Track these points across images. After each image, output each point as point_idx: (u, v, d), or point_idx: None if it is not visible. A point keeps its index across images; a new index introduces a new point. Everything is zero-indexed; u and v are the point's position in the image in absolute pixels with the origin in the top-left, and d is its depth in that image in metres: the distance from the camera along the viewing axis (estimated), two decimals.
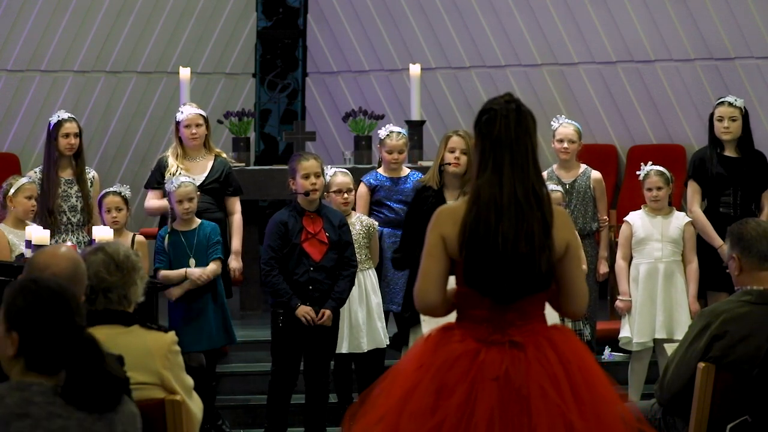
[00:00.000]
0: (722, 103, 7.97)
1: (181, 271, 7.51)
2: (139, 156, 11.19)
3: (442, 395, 3.95)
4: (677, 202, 9.53)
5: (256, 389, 8.07)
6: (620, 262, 7.87)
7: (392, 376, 4.12)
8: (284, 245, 7.23)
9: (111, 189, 7.73)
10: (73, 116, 8.19)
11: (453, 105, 11.29)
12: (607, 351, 8.46)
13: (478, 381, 3.95)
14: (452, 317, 4.16)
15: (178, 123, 8.14)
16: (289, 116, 12.19)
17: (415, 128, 9.67)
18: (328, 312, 7.20)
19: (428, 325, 4.35)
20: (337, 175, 7.67)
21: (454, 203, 4.15)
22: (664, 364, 5.39)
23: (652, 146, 10.64)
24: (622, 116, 10.84)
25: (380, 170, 8.22)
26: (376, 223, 7.79)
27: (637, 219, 7.85)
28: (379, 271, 7.82)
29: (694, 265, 7.78)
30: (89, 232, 7.74)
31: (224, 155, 8.34)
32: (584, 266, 7.71)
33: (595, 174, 8.12)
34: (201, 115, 8.13)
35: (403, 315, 7.36)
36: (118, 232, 7.45)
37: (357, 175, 8.12)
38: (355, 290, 7.57)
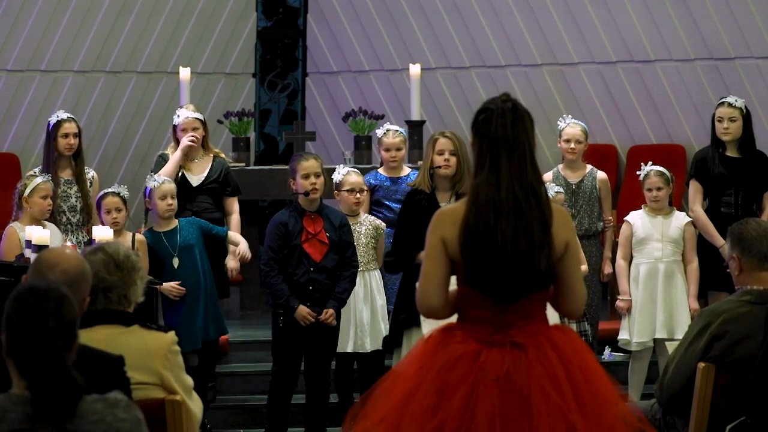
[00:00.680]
0: (722, 103, 7.98)
1: (169, 286, 7.48)
2: (139, 156, 11.18)
3: (444, 396, 3.95)
4: (677, 202, 9.53)
5: (256, 389, 8.07)
6: (620, 262, 7.87)
7: (393, 377, 4.12)
8: (284, 246, 7.23)
9: (110, 190, 7.71)
10: (72, 116, 8.19)
11: (453, 105, 11.29)
12: (607, 351, 8.46)
13: (479, 382, 3.94)
14: (453, 318, 4.16)
15: (174, 126, 8.16)
16: (289, 116, 12.19)
17: (415, 128, 9.67)
18: (331, 310, 7.21)
19: (428, 326, 4.34)
20: (351, 174, 7.68)
21: (453, 205, 4.14)
22: (665, 362, 5.39)
23: (652, 146, 10.63)
24: (622, 116, 10.84)
25: (380, 170, 8.22)
26: (384, 225, 7.80)
27: (637, 219, 7.86)
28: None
29: (694, 265, 7.78)
30: (89, 233, 7.74)
31: (222, 155, 8.34)
32: (584, 266, 7.72)
33: (601, 174, 8.13)
34: (197, 119, 8.12)
35: (397, 317, 7.33)
36: (118, 232, 7.44)
37: None
38: (360, 290, 7.58)
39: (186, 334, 7.31)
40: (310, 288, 7.22)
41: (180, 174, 8.03)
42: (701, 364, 5.04)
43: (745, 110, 7.96)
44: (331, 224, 7.31)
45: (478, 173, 4.05)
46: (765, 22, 10.22)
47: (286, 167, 7.59)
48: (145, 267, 6.62)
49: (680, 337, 7.14)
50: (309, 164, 7.28)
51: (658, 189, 7.80)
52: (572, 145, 8.04)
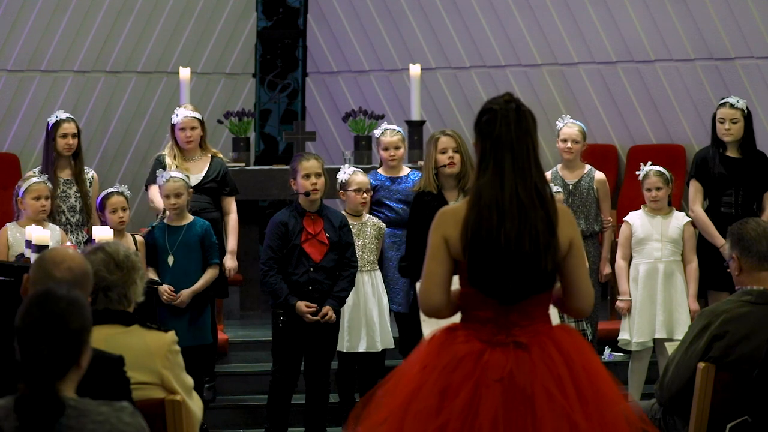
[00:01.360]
0: (724, 104, 7.97)
1: (164, 289, 7.44)
2: (139, 156, 11.18)
3: (447, 396, 3.95)
4: (677, 202, 9.53)
5: (256, 389, 8.07)
6: (620, 262, 7.88)
7: (396, 377, 4.11)
8: (284, 245, 7.24)
9: (113, 189, 7.71)
10: (71, 116, 8.19)
11: (453, 105, 11.29)
12: (607, 351, 8.46)
13: (483, 382, 3.94)
14: (456, 318, 4.16)
15: (173, 126, 8.15)
16: (289, 116, 12.19)
17: (415, 128, 9.67)
18: (330, 309, 7.20)
19: (429, 326, 4.34)
20: (357, 174, 7.69)
21: (456, 204, 4.13)
22: (665, 362, 5.39)
23: (652, 146, 10.63)
24: (622, 116, 10.84)
25: (380, 170, 8.23)
26: (384, 225, 7.80)
27: (636, 219, 7.86)
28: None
29: (693, 265, 7.78)
30: (89, 233, 7.74)
31: (221, 155, 8.34)
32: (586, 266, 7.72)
33: (599, 175, 8.12)
34: (195, 118, 8.12)
35: (414, 318, 7.32)
36: (119, 233, 7.44)
37: None
38: (368, 290, 7.59)
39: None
40: (310, 288, 7.23)
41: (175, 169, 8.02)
42: (701, 364, 5.04)
43: (746, 111, 7.96)
44: (331, 224, 7.31)
45: (481, 175, 4.05)
46: (765, 22, 10.22)
47: (286, 167, 7.60)
48: (144, 268, 6.62)
49: (680, 338, 7.16)
50: (310, 164, 7.29)
51: (658, 189, 7.81)
52: (569, 145, 8.04)
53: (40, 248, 6.75)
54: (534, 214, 4.00)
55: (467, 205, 4.05)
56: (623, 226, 7.90)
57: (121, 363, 4.11)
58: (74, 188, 8.09)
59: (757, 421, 4.86)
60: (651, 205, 7.84)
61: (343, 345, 7.59)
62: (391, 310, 7.88)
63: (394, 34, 11.47)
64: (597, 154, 10.17)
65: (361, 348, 7.59)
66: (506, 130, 4.02)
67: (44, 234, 6.90)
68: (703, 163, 8.01)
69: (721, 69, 10.38)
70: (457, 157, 7.08)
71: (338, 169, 7.85)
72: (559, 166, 8.17)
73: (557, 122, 8.19)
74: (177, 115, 8.15)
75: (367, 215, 7.79)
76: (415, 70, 9.73)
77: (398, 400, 4.01)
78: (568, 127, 8.08)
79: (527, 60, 11.02)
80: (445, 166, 7.07)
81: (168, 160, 8.07)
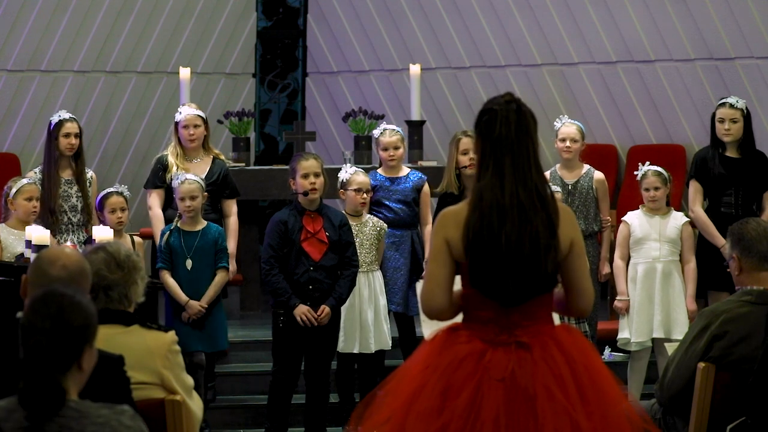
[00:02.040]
0: (723, 104, 7.97)
1: (183, 297, 7.46)
2: (139, 156, 11.18)
3: (449, 396, 3.95)
4: (677, 202, 9.53)
5: (256, 389, 8.07)
6: (618, 262, 7.88)
7: (398, 377, 4.11)
8: (284, 244, 7.23)
9: (113, 189, 7.71)
10: (74, 117, 8.20)
11: (453, 105, 11.29)
12: (607, 351, 8.46)
13: (485, 382, 3.94)
14: (457, 318, 4.16)
15: (176, 123, 8.15)
16: (289, 116, 12.19)
17: (415, 128, 9.67)
18: (326, 309, 7.20)
19: (429, 326, 4.34)
20: (358, 174, 7.69)
21: (457, 206, 4.12)
22: (664, 363, 5.39)
23: (652, 146, 10.64)
24: (622, 116, 10.84)
25: (380, 170, 8.23)
26: (386, 226, 7.80)
27: (634, 219, 7.86)
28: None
29: (691, 265, 7.78)
30: (89, 233, 7.73)
31: (222, 157, 8.34)
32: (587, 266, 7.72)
33: (598, 174, 8.12)
34: (199, 116, 8.12)
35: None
36: (118, 233, 7.44)
37: None
38: (365, 291, 7.59)
39: (188, 335, 7.32)
40: (310, 287, 7.22)
41: (172, 177, 8.02)
42: (701, 364, 5.04)
43: (745, 111, 7.96)
44: (331, 224, 7.31)
45: (482, 176, 4.04)
46: (765, 22, 10.22)
47: (286, 167, 7.60)
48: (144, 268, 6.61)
49: (678, 337, 7.18)
50: (309, 164, 7.29)
51: (656, 189, 7.81)
52: (567, 144, 8.04)
53: (40, 248, 6.75)
54: (534, 215, 3.99)
55: (468, 207, 4.04)
56: (621, 225, 7.90)
57: (121, 363, 4.11)
58: (75, 188, 8.10)
59: (755, 423, 4.85)
60: (649, 205, 7.84)
61: (339, 345, 7.59)
62: (390, 310, 7.88)
63: (394, 34, 11.47)
64: (597, 154, 10.17)
65: (355, 349, 7.59)
66: (506, 132, 4.02)
67: (44, 234, 6.91)
68: (702, 163, 8.01)
69: (721, 69, 10.38)
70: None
71: (339, 169, 7.85)
72: (558, 165, 8.17)
73: (555, 122, 8.19)
74: (180, 113, 8.15)
75: (368, 215, 7.79)
76: (415, 70, 9.73)
77: (400, 400, 4.01)
78: (566, 126, 8.09)
79: (527, 60, 11.02)
80: (466, 167, 7.07)
81: (170, 160, 8.07)
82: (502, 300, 4.01)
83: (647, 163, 7.93)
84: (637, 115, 10.78)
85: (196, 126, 8.08)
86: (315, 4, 11.87)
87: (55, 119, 8.11)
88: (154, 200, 8.07)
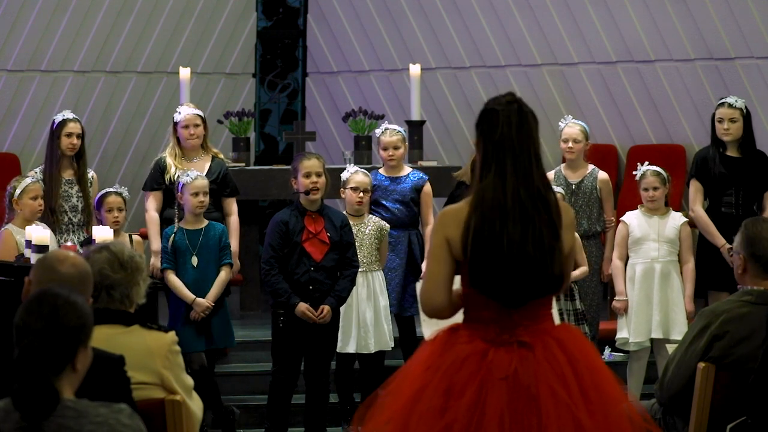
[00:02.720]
0: (723, 104, 7.98)
1: (189, 296, 7.46)
2: (139, 156, 11.18)
3: (452, 396, 3.94)
4: (677, 202, 9.53)
5: (256, 389, 8.07)
6: (616, 262, 7.88)
7: (400, 378, 4.11)
8: (285, 244, 7.23)
9: (111, 189, 7.72)
10: (77, 117, 8.21)
11: (453, 105, 11.29)
12: (607, 351, 8.46)
13: (488, 381, 3.94)
14: (457, 318, 4.16)
15: (175, 123, 8.15)
16: (289, 116, 12.19)
17: (415, 128, 9.67)
18: (327, 308, 7.20)
19: (429, 326, 4.34)
20: (358, 173, 7.70)
21: (458, 204, 4.12)
22: (664, 363, 5.39)
23: (652, 146, 10.63)
24: (622, 116, 10.84)
25: (381, 170, 8.23)
26: (388, 226, 7.80)
27: (633, 219, 7.86)
28: None
29: (690, 265, 7.78)
30: (89, 233, 7.74)
31: (221, 156, 8.34)
32: (585, 267, 7.73)
33: (602, 175, 8.13)
34: (199, 115, 8.12)
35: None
36: (116, 232, 7.44)
37: None
38: (363, 291, 7.59)
39: (191, 335, 7.33)
40: (311, 287, 7.22)
41: (178, 175, 8.02)
42: (701, 364, 5.04)
43: (745, 110, 7.97)
44: (332, 224, 7.31)
45: (483, 176, 4.03)
46: (765, 22, 10.22)
47: (287, 167, 7.61)
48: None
49: (676, 338, 7.18)
50: (310, 163, 7.29)
51: (655, 189, 7.81)
52: (570, 145, 8.05)
53: (41, 248, 6.76)
54: (537, 217, 3.99)
55: (469, 207, 4.03)
56: (620, 225, 7.90)
57: (121, 363, 4.12)
58: (76, 188, 8.10)
59: (755, 423, 4.85)
60: (648, 205, 7.84)
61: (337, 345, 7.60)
62: (391, 312, 7.88)
63: (394, 34, 11.47)
64: (597, 154, 10.14)
65: (351, 349, 7.58)
66: (508, 133, 4.01)
67: (44, 234, 6.92)
68: (703, 163, 8.02)
69: (721, 69, 10.38)
70: None
71: (339, 169, 7.86)
72: (562, 166, 8.18)
73: (560, 123, 8.20)
74: (179, 112, 8.15)
75: (369, 215, 7.79)
76: (415, 70, 9.73)
77: (402, 400, 4.01)
78: (570, 127, 8.10)
79: (527, 60, 11.02)
80: None
81: (169, 161, 8.06)
82: (504, 300, 4.01)
83: (646, 163, 7.94)
84: (637, 115, 10.78)
85: (196, 125, 8.09)
86: (315, 4, 11.87)
87: (58, 118, 8.12)
88: (151, 203, 8.07)
